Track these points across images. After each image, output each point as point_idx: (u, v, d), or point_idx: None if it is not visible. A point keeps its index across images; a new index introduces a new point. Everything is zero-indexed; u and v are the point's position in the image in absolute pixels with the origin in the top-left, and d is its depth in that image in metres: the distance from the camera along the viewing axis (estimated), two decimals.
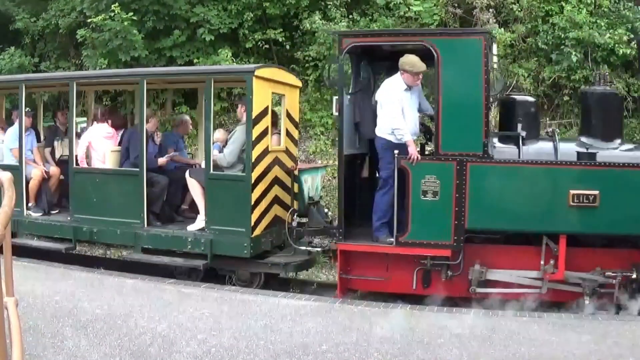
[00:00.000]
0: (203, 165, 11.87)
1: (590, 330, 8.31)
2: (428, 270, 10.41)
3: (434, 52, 9.94)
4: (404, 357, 7.28)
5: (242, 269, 11.64)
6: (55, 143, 14.64)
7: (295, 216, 11.99)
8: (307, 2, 21.52)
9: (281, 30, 21.82)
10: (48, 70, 23.43)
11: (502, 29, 19.78)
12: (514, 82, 19.13)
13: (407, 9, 20.80)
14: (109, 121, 13.30)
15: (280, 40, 21.72)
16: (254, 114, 11.11)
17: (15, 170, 12.38)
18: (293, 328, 8.10)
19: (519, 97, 11.43)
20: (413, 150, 10.01)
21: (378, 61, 12.26)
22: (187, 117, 14.78)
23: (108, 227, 12.20)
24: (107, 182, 12.43)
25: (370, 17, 21.71)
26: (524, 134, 10.41)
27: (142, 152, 11.89)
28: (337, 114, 10.85)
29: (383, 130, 10.33)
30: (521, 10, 19.94)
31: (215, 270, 11.82)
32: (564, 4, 19.50)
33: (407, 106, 10.32)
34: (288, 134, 12.59)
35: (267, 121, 11.55)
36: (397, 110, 10.13)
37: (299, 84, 13.71)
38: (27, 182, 13.20)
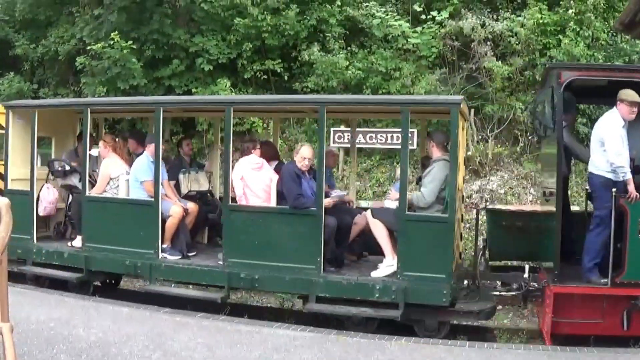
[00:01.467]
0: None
1: None
2: (633, 310, 9.80)
3: None
4: None
5: (431, 318, 10.47)
6: (181, 176, 13.16)
7: (483, 257, 11.67)
8: (305, 33, 21.69)
9: (280, 61, 21.95)
10: (47, 96, 23.48)
11: (500, 61, 19.89)
12: (511, 114, 19.21)
13: (405, 42, 20.93)
14: (258, 151, 11.92)
15: (278, 71, 21.84)
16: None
17: (148, 207, 11.63)
18: (288, 359, 8.06)
19: None
20: (633, 189, 9.56)
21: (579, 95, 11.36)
22: (333, 148, 14.05)
23: (273, 273, 10.73)
24: (273, 223, 10.96)
25: (368, 49, 21.83)
26: None
27: (321, 189, 10.75)
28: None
29: (602, 167, 9.80)
30: (519, 43, 20.05)
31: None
32: (561, 37, 19.60)
33: (625, 142, 9.84)
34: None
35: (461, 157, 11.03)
36: (620, 146, 9.65)
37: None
38: (163, 221, 11.71)
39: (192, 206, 12.45)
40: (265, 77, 22.10)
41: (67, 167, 13.26)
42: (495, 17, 20.74)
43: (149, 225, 11.58)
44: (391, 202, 10.94)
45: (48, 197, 13.08)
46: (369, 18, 21.78)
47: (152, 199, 11.61)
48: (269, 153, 12.32)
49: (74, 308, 10.27)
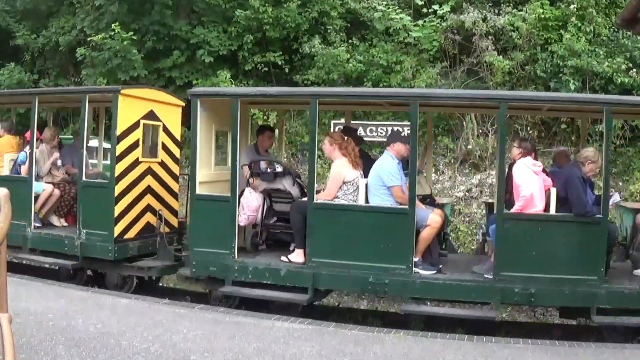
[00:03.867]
0: None
1: (584, 358, 8.28)
2: None
3: None
4: None
5: None
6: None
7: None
8: (307, 26, 21.69)
9: (281, 53, 21.97)
10: (47, 87, 23.48)
11: (501, 56, 19.89)
12: None
13: (406, 35, 20.93)
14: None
15: (279, 63, 21.87)
16: None
17: (400, 215, 10.14)
18: (286, 351, 8.06)
19: None
20: None
21: None
22: None
23: (552, 286, 9.63)
24: (554, 232, 9.83)
25: (369, 42, 21.82)
26: None
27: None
28: None
29: None
30: (520, 37, 20.07)
31: None
32: (563, 33, 19.60)
33: None
34: None
35: None
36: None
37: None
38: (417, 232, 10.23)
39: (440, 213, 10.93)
40: (266, 69, 22.11)
41: (279, 168, 11.70)
42: (496, 11, 20.77)
43: (401, 237, 10.06)
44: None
45: (252, 204, 11.27)
46: (371, 11, 21.83)
47: (406, 207, 10.13)
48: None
49: (73, 299, 10.27)
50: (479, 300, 10.43)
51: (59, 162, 13.47)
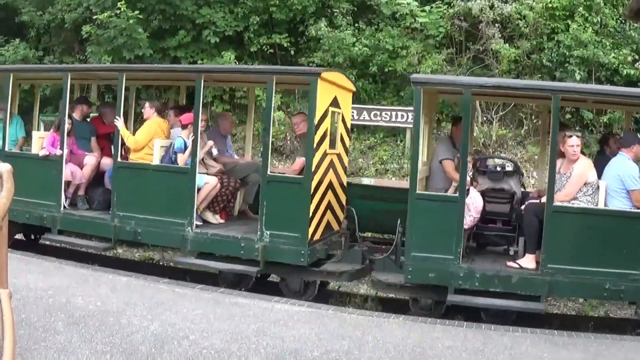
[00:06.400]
0: None
1: (583, 349, 8.29)
2: None
3: None
4: None
5: None
6: None
7: None
8: (313, 8, 21.61)
9: (286, 35, 21.90)
10: (52, 63, 23.43)
11: (507, 44, 19.83)
12: None
13: (413, 20, 20.88)
14: None
15: (285, 45, 21.79)
16: None
17: None
18: (285, 333, 8.08)
19: None
20: None
21: None
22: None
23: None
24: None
25: (375, 27, 21.77)
26: None
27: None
28: None
29: None
30: (527, 26, 20.00)
31: None
32: (570, 22, 19.54)
33: None
34: None
35: None
36: None
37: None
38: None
39: None
40: (271, 51, 22.04)
41: (509, 167, 11.37)
42: None
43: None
44: None
45: (478, 205, 10.56)
46: None
47: None
48: None
49: (73, 276, 10.28)
50: None
51: (214, 151, 12.31)
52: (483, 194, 10.82)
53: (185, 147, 11.48)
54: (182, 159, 11.50)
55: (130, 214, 11.66)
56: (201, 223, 11.64)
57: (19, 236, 14.03)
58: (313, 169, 10.66)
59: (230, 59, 20.86)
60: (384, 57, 20.78)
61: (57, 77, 14.16)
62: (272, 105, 11.15)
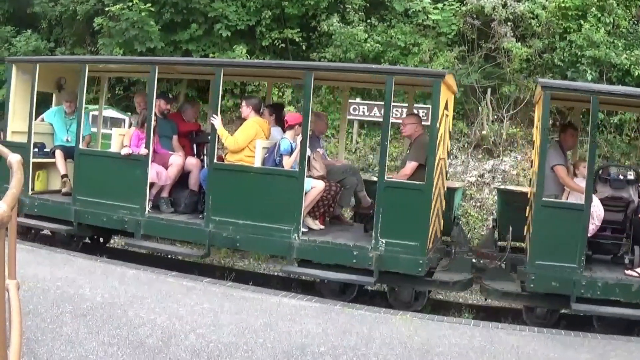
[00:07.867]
0: None
1: (589, 349, 8.28)
2: None
3: None
4: None
5: None
6: None
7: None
8: (325, 3, 21.58)
9: (298, 30, 21.89)
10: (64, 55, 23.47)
11: (519, 43, 19.79)
12: (528, 96, 19.10)
13: (425, 17, 20.87)
14: None
15: (297, 40, 21.78)
16: None
17: None
18: (292, 328, 8.08)
19: None
20: None
21: None
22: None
23: None
24: None
25: (388, 23, 21.75)
26: None
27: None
28: None
29: None
30: (539, 25, 19.93)
31: None
32: (582, 22, 19.46)
33: None
34: None
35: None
36: None
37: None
38: None
39: None
40: (283, 45, 22.03)
41: (631, 175, 11.01)
42: None
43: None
44: None
45: (601, 213, 10.28)
46: None
47: None
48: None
49: (80, 268, 10.29)
50: None
51: (322, 153, 12.03)
52: (601, 201, 10.54)
53: (292, 149, 11.01)
54: (288, 162, 10.90)
55: (228, 219, 11.00)
56: (306, 230, 11.06)
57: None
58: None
59: (242, 52, 20.88)
60: (396, 53, 20.78)
61: (142, 69, 13.61)
62: (391, 107, 10.65)
